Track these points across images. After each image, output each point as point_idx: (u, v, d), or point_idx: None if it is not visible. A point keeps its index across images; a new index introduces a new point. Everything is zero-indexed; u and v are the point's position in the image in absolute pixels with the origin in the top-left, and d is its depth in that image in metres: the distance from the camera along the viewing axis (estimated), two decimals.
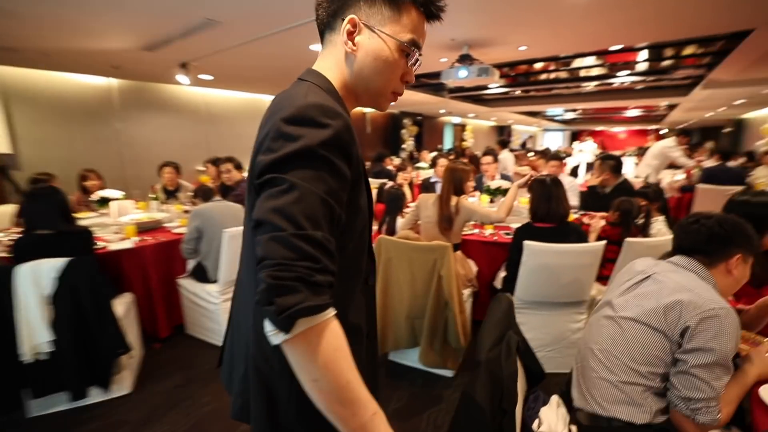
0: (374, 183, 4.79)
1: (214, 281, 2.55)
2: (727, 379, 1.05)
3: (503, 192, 3.54)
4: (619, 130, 19.44)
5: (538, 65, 6.27)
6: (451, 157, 10.02)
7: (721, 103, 8.83)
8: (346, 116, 0.63)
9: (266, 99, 7.70)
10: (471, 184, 2.65)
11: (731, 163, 5.68)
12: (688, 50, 5.12)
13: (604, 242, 2.14)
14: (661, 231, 2.53)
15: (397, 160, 8.40)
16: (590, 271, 2.17)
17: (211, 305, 2.58)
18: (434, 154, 6.75)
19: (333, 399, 0.56)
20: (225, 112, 7.27)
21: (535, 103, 9.84)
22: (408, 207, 3.16)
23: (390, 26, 0.68)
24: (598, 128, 19.98)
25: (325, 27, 0.72)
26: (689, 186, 5.11)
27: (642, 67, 6.22)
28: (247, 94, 7.50)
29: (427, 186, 4.51)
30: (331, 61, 0.72)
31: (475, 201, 3.56)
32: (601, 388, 1.17)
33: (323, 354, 0.54)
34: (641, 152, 8.16)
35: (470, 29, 3.18)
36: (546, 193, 2.20)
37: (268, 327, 0.54)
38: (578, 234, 2.21)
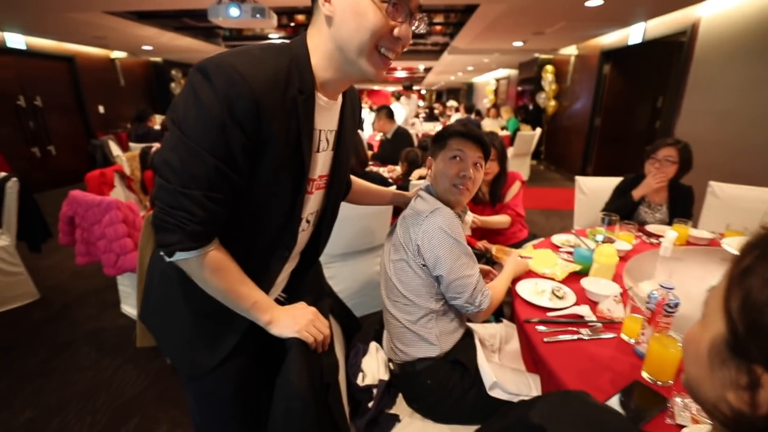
0: (137, 147, 3.86)
1: None
2: (474, 265, 1.18)
3: None
4: (392, 89, 22.06)
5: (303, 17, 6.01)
6: None
7: (459, 68, 11.03)
8: (260, 87, 0.64)
9: None
10: None
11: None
12: (437, 19, 5.99)
13: (393, 187, 2.30)
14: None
15: (160, 118, 7.10)
16: (384, 218, 2.31)
17: None
18: None
19: (220, 297, 0.76)
20: None
21: None
22: None
23: None
24: (375, 87, 22.11)
25: None
26: None
27: None
28: None
29: None
30: (315, 27, 0.73)
31: None
32: (403, 337, 1.21)
33: (203, 274, 0.72)
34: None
35: None
36: None
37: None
38: (380, 180, 2.28)
